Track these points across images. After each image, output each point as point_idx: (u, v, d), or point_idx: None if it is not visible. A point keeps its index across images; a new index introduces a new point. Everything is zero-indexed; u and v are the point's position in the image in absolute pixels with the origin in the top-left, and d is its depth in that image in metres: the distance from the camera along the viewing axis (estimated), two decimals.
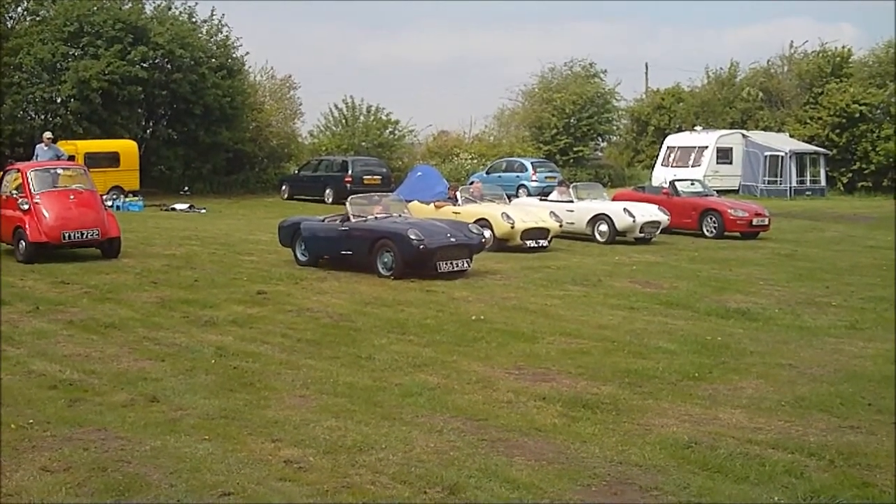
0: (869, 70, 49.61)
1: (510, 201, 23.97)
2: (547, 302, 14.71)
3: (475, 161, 48.09)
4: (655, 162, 45.85)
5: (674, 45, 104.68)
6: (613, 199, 25.67)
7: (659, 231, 23.79)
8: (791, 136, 46.69)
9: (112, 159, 34.01)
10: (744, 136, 44.67)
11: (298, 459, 7.37)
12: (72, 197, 18.27)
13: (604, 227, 23.26)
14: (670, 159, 44.06)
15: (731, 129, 47.04)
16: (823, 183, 44.85)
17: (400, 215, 18.14)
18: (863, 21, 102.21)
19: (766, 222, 25.82)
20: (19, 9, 40.93)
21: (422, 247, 16.37)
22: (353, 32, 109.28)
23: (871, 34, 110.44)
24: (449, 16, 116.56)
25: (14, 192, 18.38)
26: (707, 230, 25.45)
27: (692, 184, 28.79)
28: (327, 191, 36.21)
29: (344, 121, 47.87)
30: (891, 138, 44.90)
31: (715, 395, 9.44)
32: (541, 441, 7.94)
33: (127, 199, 32.46)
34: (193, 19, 42.14)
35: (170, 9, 41.63)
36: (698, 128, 46.57)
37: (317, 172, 38.64)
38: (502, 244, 20.66)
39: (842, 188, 46.23)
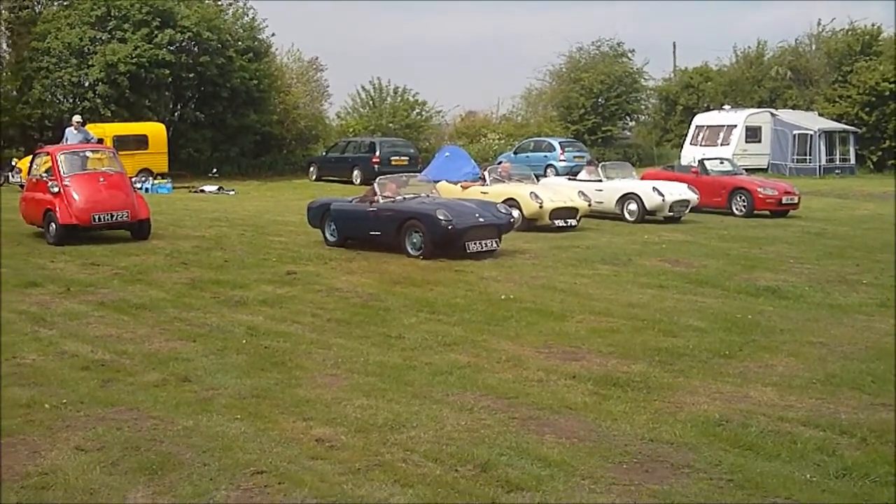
0: None
1: (538, 181, 23.90)
2: (576, 281, 14.67)
3: (503, 141, 47.94)
4: (684, 141, 45.81)
5: (699, 24, 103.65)
6: (642, 179, 25.56)
7: (688, 210, 23.71)
8: (820, 114, 46.40)
9: (140, 142, 34.25)
10: (772, 114, 44.46)
11: (330, 438, 7.39)
12: (101, 179, 18.36)
13: (633, 207, 23.17)
14: (699, 138, 43.98)
15: (759, 107, 46.80)
16: (853, 161, 44.57)
17: (428, 196, 18.14)
18: None
19: (796, 201, 25.67)
20: None
21: (450, 227, 16.35)
22: (377, 12, 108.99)
23: None
24: None
25: (44, 174, 18.53)
26: (736, 209, 25.33)
27: (721, 162, 28.69)
28: (355, 172, 36.27)
29: (371, 102, 47.95)
30: None
31: (746, 373, 9.40)
32: (571, 419, 7.93)
33: (156, 182, 32.65)
34: (219, 2, 42.28)
35: None
36: (727, 107, 46.41)
37: (344, 154, 38.65)
38: (531, 224, 20.60)
39: (871, 166, 45.89)
